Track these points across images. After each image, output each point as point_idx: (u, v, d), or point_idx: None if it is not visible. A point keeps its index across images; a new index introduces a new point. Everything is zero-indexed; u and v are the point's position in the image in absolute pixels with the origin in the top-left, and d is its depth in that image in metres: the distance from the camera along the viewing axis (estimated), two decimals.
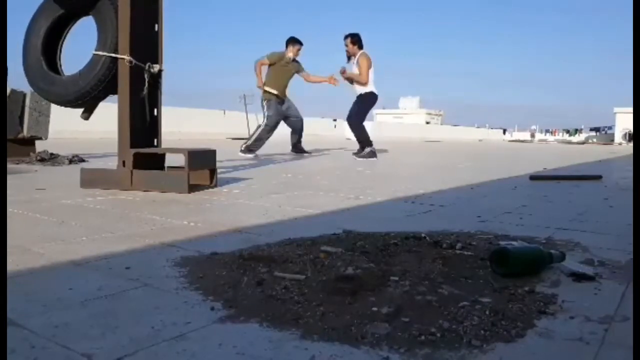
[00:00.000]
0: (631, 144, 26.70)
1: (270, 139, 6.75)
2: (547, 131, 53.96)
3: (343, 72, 6.70)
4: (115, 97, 2.97)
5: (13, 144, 5.13)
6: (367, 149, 6.53)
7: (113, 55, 2.91)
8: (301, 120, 7.05)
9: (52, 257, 1.36)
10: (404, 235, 1.61)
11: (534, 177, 4.05)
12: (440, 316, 0.95)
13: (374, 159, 6.45)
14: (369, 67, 6.60)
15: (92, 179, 2.92)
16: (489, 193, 3.15)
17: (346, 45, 6.72)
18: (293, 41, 6.79)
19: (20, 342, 0.83)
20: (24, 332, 0.87)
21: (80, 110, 3.22)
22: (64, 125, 8.49)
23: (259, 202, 2.48)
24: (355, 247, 1.45)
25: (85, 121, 3.36)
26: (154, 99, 3.05)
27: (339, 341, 0.85)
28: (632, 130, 33.53)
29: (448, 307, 0.99)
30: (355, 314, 0.96)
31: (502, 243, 1.52)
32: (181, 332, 0.88)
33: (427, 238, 1.58)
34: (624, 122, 37.58)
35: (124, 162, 2.88)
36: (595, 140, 40.27)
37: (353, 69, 6.68)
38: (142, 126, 2.97)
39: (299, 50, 6.82)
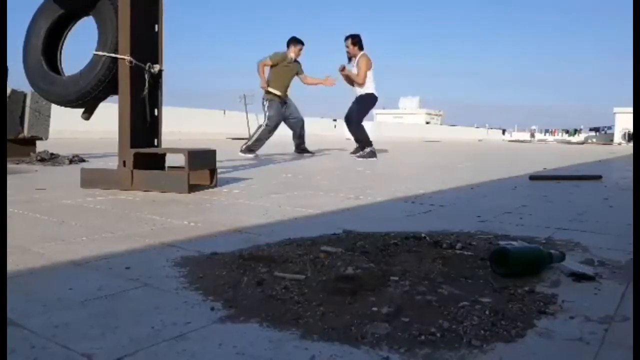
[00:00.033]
0: (631, 144, 26.71)
1: (271, 139, 6.75)
2: (546, 131, 53.97)
3: (342, 69, 6.73)
4: (115, 97, 2.98)
5: (13, 144, 5.13)
6: (367, 149, 6.54)
7: (113, 55, 2.91)
8: (301, 121, 7.04)
9: (52, 257, 1.36)
10: (404, 235, 1.61)
11: (533, 177, 4.05)
12: (440, 316, 0.95)
13: (374, 159, 6.45)
14: (368, 68, 6.62)
15: (93, 179, 2.92)
16: (489, 193, 3.15)
17: (347, 47, 6.74)
18: (295, 41, 6.79)
19: (20, 342, 0.83)
20: (24, 332, 0.87)
21: (81, 110, 3.22)
22: (64, 125, 8.49)
23: (259, 202, 2.48)
24: (355, 247, 1.45)
25: (86, 121, 3.36)
26: (154, 99, 3.05)
27: (339, 341, 0.85)
28: (631, 130, 33.54)
29: (448, 307, 0.99)
30: (355, 314, 0.96)
31: (502, 243, 1.52)
32: (181, 332, 0.88)
33: (427, 238, 1.58)
34: (623, 122, 37.59)
35: (124, 162, 2.88)
36: (594, 140, 40.28)
37: (353, 71, 6.70)
38: (143, 126, 2.97)
39: (300, 50, 6.83)
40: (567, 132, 50.95)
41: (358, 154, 6.60)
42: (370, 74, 6.69)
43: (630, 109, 33.74)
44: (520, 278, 1.19)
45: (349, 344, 0.84)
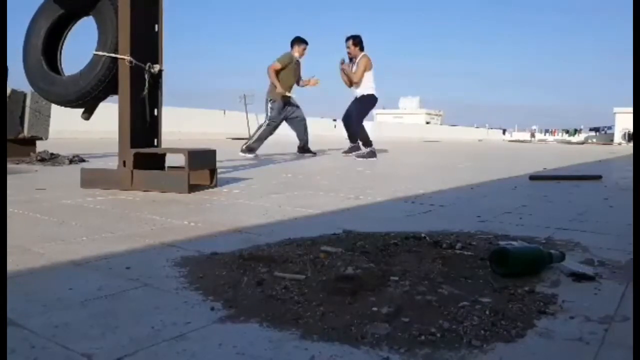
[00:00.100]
0: (631, 144, 26.71)
1: (270, 138, 6.75)
2: (546, 131, 54.01)
3: (342, 62, 6.80)
4: (115, 97, 2.98)
5: (13, 144, 5.13)
6: (367, 149, 6.54)
7: (113, 55, 2.91)
8: (304, 120, 7.02)
9: (52, 257, 1.36)
10: (404, 235, 1.61)
11: (533, 177, 4.05)
12: (440, 316, 0.95)
13: (374, 158, 6.45)
14: (367, 69, 6.66)
15: (93, 179, 2.92)
16: (489, 193, 3.15)
17: (348, 48, 6.77)
18: (299, 41, 6.81)
19: (20, 342, 0.83)
20: (24, 332, 0.87)
21: (81, 110, 3.22)
22: (64, 125, 8.48)
23: (259, 202, 2.48)
24: (355, 247, 1.45)
25: (86, 121, 3.36)
26: (154, 99, 3.05)
27: (339, 341, 0.85)
28: (631, 130, 33.54)
29: (448, 307, 0.99)
30: (355, 314, 0.96)
31: (502, 243, 1.52)
32: (181, 332, 0.88)
33: (427, 238, 1.58)
34: (623, 122, 37.60)
35: (124, 162, 2.88)
36: (594, 140, 40.29)
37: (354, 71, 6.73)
38: (143, 126, 2.97)
39: (304, 49, 6.85)
40: (567, 132, 50.98)
41: (357, 153, 6.60)
42: (370, 74, 6.71)
43: (630, 109, 33.74)
44: (520, 278, 1.19)
45: (349, 344, 0.84)
